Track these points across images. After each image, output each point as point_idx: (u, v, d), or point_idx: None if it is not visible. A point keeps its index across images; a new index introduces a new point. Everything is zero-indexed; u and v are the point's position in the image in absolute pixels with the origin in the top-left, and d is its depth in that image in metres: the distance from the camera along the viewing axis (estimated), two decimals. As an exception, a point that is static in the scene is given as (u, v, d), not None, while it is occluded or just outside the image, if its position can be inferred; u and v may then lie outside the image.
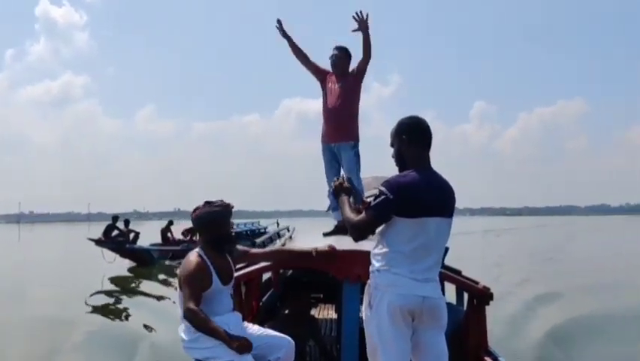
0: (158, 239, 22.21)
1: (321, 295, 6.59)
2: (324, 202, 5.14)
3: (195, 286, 3.21)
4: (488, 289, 3.62)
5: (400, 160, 2.97)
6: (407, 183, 2.79)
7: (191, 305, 3.12)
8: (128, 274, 18.26)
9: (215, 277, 3.29)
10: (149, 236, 22.76)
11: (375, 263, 2.86)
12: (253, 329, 3.46)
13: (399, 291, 2.75)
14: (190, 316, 3.12)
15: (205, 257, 3.32)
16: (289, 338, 3.44)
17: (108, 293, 14.25)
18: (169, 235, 22.34)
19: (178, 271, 3.39)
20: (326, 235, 4.73)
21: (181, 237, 22.82)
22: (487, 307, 3.68)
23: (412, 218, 2.76)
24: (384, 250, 2.83)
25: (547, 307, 10.81)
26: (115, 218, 20.37)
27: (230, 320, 3.29)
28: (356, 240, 2.92)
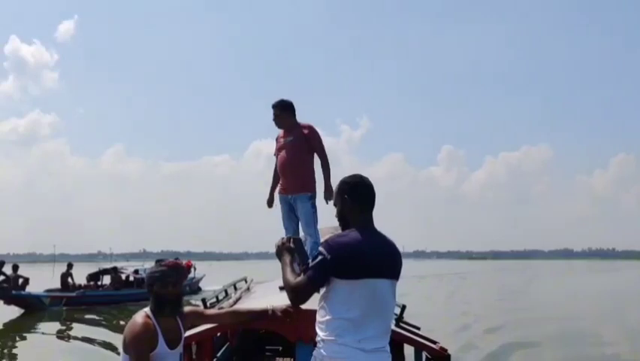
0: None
1: (280, 348, 6.38)
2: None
3: (142, 349, 3.00)
4: (445, 350, 3.50)
5: (343, 220, 2.85)
6: (346, 243, 2.64)
7: None
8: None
9: (161, 340, 3.08)
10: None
11: (320, 333, 2.66)
12: None
13: None
14: None
15: (152, 318, 3.14)
16: None
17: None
18: (69, 279, 21.93)
19: (123, 333, 3.19)
20: (282, 288, 4.60)
21: (84, 282, 22.75)
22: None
23: (351, 279, 2.59)
24: (327, 317, 2.64)
25: (516, 357, 10.75)
26: (1, 263, 19.53)
27: (177, 387, 3.09)
28: (294, 304, 2.82)
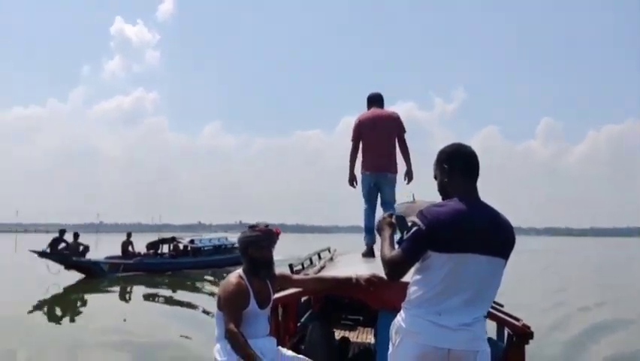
0: None
1: (360, 318, 6.50)
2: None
3: (235, 307, 3.23)
4: (528, 327, 3.38)
5: (444, 192, 2.63)
6: (443, 213, 2.43)
7: (232, 327, 3.13)
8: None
9: (252, 299, 3.30)
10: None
11: (403, 303, 2.57)
12: (287, 355, 3.44)
13: (417, 340, 2.42)
14: (230, 337, 3.13)
15: (245, 279, 3.36)
16: None
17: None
18: (130, 248, 22.66)
19: (217, 291, 3.44)
20: (364, 255, 4.97)
21: (144, 250, 23.38)
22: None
23: (447, 253, 2.40)
24: (413, 287, 2.53)
25: (607, 338, 10.27)
26: (62, 231, 20.64)
27: (265, 345, 3.29)
28: (389, 277, 2.60)
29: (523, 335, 3.40)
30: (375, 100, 5.48)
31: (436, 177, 2.69)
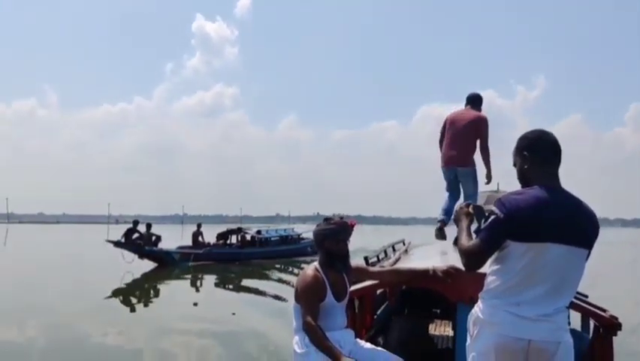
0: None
1: (438, 311, 6.41)
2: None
3: (313, 299, 3.25)
4: (616, 318, 3.27)
5: (524, 180, 2.54)
6: (523, 201, 2.35)
7: (310, 320, 3.16)
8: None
9: (329, 292, 3.31)
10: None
11: (481, 293, 2.53)
12: (365, 347, 3.42)
13: (496, 330, 2.36)
14: (309, 330, 3.15)
15: (321, 272, 3.38)
16: (400, 359, 3.37)
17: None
18: (200, 238, 23.25)
19: (295, 283, 3.47)
20: (436, 235, 5.28)
21: (214, 240, 23.88)
22: (616, 338, 3.35)
23: (526, 242, 2.33)
24: (491, 277, 2.47)
25: None
26: (135, 222, 21.36)
27: (343, 337, 3.29)
28: (466, 268, 2.53)
29: (611, 326, 3.27)
30: (470, 100, 5.66)
31: (515, 165, 2.60)
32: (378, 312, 5.31)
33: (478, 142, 5.41)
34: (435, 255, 4.32)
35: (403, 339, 4.00)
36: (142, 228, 21.18)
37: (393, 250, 6.34)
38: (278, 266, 22.63)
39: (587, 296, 3.85)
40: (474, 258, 2.47)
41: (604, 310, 3.36)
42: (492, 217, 2.41)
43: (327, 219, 3.54)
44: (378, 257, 5.63)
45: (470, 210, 2.85)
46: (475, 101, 5.61)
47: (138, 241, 20.87)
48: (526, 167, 2.52)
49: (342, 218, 3.61)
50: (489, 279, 2.50)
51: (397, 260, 4.95)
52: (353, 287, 3.62)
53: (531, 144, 2.52)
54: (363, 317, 4.15)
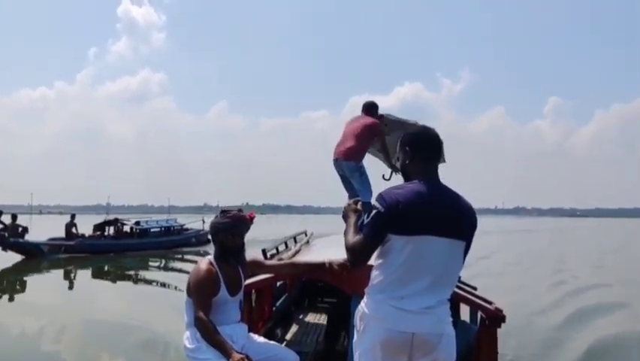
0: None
1: (336, 301, 6.54)
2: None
3: (205, 294, 3.21)
4: (500, 311, 3.43)
5: (405, 175, 2.64)
6: (402, 195, 2.42)
7: (202, 315, 3.13)
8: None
9: (223, 286, 3.28)
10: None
11: (366, 288, 2.57)
12: (258, 341, 3.42)
13: (381, 325, 2.41)
14: (200, 325, 3.12)
15: (215, 265, 3.33)
16: (294, 353, 3.39)
17: None
18: (73, 229, 22.56)
19: (188, 278, 3.41)
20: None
21: (90, 232, 23.28)
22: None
23: (406, 235, 2.39)
24: (375, 272, 2.53)
25: (596, 321, 10.14)
26: None
27: (235, 332, 3.27)
28: (352, 264, 2.60)
29: (495, 318, 3.44)
30: (365, 108, 5.74)
31: (398, 159, 2.69)
32: (278, 303, 5.32)
33: (370, 143, 5.52)
34: (335, 246, 4.35)
35: (301, 331, 4.03)
36: (6, 219, 20.21)
37: (295, 241, 6.34)
38: (156, 258, 22.27)
39: (475, 288, 4.00)
40: (358, 254, 2.52)
41: (490, 303, 3.52)
42: (373, 212, 2.46)
43: (223, 212, 3.49)
44: (277, 249, 5.59)
45: (358, 206, 2.87)
46: (370, 108, 5.73)
47: (2, 232, 19.92)
48: (407, 162, 2.61)
49: (240, 211, 3.56)
50: (373, 274, 2.54)
51: (298, 252, 4.96)
52: (249, 280, 3.60)
53: (413, 140, 2.62)
54: (260, 309, 4.14)
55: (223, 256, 3.37)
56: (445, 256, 2.44)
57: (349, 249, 2.55)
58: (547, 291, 13.35)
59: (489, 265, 18.39)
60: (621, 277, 16.85)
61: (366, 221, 2.52)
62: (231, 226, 3.39)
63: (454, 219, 2.47)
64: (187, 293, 3.31)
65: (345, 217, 2.85)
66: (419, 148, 2.59)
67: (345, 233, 2.70)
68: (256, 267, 3.63)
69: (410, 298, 2.40)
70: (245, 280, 3.49)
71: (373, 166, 5.77)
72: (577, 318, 10.15)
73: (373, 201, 2.58)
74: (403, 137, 2.68)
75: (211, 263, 3.33)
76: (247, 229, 3.50)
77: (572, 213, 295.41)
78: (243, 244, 3.44)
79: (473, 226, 2.57)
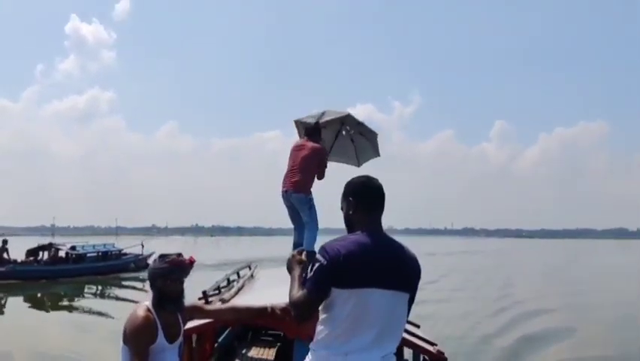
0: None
1: (281, 334, 6.45)
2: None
3: (141, 342, 3.05)
4: (442, 353, 3.46)
5: (349, 225, 2.54)
6: (343, 247, 2.34)
7: None
8: None
9: (161, 333, 3.14)
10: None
11: (312, 342, 2.46)
12: None
13: None
14: None
15: (153, 312, 3.21)
16: None
17: None
18: (5, 255, 21.95)
19: (124, 324, 3.27)
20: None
21: (23, 258, 22.61)
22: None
23: (348, 288, 2.30)
24: (320, 327, 2.41)
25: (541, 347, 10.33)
26: None
27: (173, 379, 3.15)
28: (297, 320, 2.46)
29: (438, 360, 3.42)
30: (308, 132, 5.68)
31: (342, 209, 2.59)
32: (220, 339, 5.18)
33: (316, 171, 5.44)
34: (279, 284, 4.27)
35: None
36: None
37: (238, 276, 6.20)
38: (92, 285, 21.71)
39: (418, 326, 4.01)
40: (302, 310, 2.40)
41: (433, 344, 3.53)
42: (316, 265, 2.36)
43: (162, 257, 3.36)
44: (219, 288, 5.43)
45: (303, 257, 2.76)
46: (313, 133, 5.67)
47: None
48: (351, 212, 2.52)
49: (179, 255, 3.44)
50: (318, 328, 2.43)
51: (240, 289, 4.84)
52: (189, 324, 3.47)
53: (356, 190, 2.53)
54: (201, 349, 4.03)
55: (161, 302, 3.24)
56: (389, 309, 2.37)
57: (293, 304, 2.44)
58: (494, 317, 13.61)
59: (437, 289, 18.62)
60: (565, 301, 17.31)
61: (309, 275, 2.41)
62: (170, 272, 3.24)
63: (397, 271, 2.39)
64: (123, 341, 3.16)
65: (290, 269, 2.71)
66: (362, 198, 2.51)
67: (290, 288, 2.57)
68: (195, 313, 3.48)
69: (354, 354, 2.31)
70: (184, 326, 3.37)
71: (320, 198, 5.72)
72: (524, 346, 10.34)
73: (317, 251, 2.47)
74: (346, 187, 2.59)
75: (149, 310, 3.19)
76: (186, 274, 3.37)
77: (518, 233, 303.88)
78: (182, 290, 3.32)
79: (417, 276, 2.49)
